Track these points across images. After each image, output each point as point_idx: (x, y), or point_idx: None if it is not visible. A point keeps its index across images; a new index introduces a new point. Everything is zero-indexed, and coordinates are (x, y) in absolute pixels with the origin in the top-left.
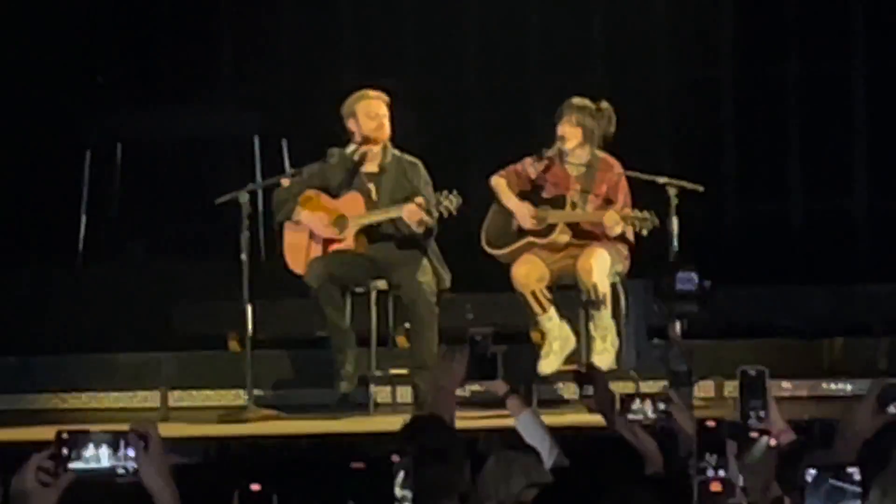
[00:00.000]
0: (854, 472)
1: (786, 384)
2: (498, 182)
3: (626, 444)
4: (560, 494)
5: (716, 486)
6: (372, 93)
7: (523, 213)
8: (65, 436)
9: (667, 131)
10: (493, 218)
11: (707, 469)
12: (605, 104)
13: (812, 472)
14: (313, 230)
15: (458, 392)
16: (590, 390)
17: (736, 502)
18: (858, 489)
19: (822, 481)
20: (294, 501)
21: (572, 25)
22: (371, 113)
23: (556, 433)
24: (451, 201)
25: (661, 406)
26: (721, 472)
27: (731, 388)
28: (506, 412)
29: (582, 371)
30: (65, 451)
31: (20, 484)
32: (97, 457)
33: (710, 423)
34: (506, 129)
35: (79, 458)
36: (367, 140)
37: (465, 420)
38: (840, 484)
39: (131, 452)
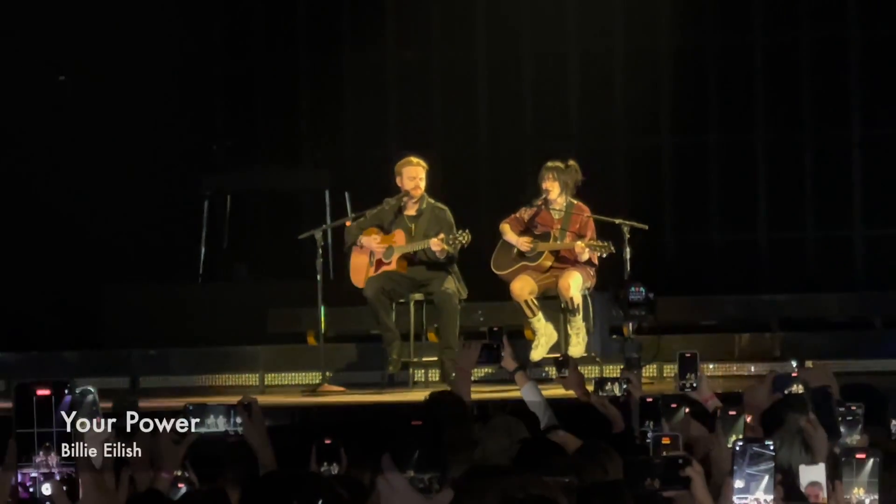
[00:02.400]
0: (770, 444)
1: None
2: (504, 227)
3: (597, 411)
4: (546, 446)
5: (666, 440)
6: (414, 159)
7: (522, 242)
8: (190, 407)
9: (622, 185)
10: (499, 250)
11: (647, 432)
12: (571, 161)
13: (739, 442)
14: (371, 249)
15: (474, 372)
16: (565, 373)
17: (680, 453)
18: (773, 453)
19: (747, 448)
20: (356, 451)
21: (555, 108)
22: (410, 175)
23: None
24: (463, 237)
25: (625, 386)
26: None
27: (669, 370)
28: (508, 388)
29: (560, 359)
30: (191, 418)
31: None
32: (215, 423)
33: (649, 399)
34: (507, 182)
35: (202, 424)
36: (407, 193)
37: (479, 393)
38: (760, 450)
39: (239, 420)
